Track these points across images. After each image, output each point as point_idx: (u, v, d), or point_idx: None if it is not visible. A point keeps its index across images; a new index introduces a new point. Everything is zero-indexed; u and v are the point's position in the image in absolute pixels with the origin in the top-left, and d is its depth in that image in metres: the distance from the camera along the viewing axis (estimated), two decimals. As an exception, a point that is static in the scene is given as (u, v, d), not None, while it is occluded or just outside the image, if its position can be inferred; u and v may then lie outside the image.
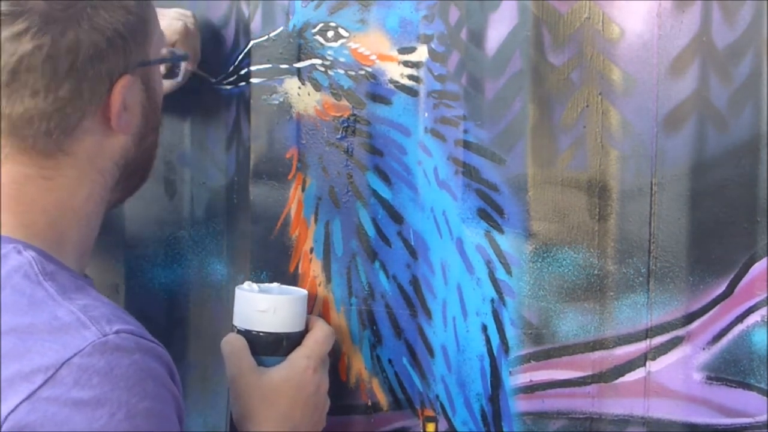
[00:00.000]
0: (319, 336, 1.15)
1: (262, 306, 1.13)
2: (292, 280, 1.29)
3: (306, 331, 1.16)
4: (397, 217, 1.25)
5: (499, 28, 1.16)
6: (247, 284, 1.16)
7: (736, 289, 1.07)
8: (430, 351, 1.24)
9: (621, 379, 1.13)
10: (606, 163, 1.12)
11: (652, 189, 1.10)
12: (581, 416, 1.15)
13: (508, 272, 1.17)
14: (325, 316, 1.28)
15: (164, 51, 1.07)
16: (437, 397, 1.23)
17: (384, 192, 1.25)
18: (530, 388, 1.17)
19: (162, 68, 1.11)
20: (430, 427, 1.24)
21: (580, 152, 1.13)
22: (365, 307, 1.27)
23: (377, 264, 1.26)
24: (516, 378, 1.17)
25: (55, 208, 0.95)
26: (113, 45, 0.94)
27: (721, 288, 1.08)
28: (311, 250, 1.29)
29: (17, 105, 0.90)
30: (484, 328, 1.19)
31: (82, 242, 0.99)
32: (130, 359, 0.85)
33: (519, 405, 1.18)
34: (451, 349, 1.22)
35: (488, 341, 1.19)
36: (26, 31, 0.88)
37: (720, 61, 1.06)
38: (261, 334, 1.12)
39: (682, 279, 1.09)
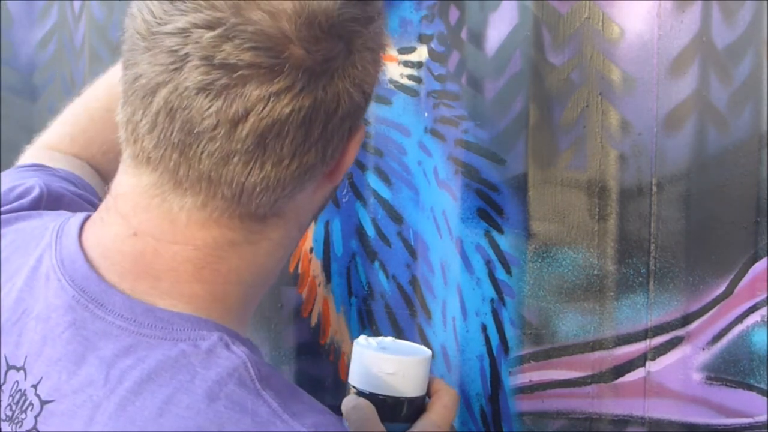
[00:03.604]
0: (448, 401, 1.01)
1: (389, 369, 1.01)
2: (292, 279, 1.29)
3: (427, 394, 1.04)
4: (396, 217, 1.25)
5: (499, 28, 1.16)
6: (363, 339, 1.05)
7: (736, 290, 1.07)
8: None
9: (620, 380, 1.13)
10: (606, 163, 1.12)
11: (652, 189, 1.10)
12: (581, 416, 1.15)
13: (508, 272, 1.17)
14: (324, 316, 1.28)
15: None
16: (437, 397, 1.23)
17: (384, 192, 1.25)
18: (530, 388, 1.17)
19: None
20: (430, 427, 1.24)
21: (580, 152, 1.13)
22: (365, 307, 1.27)
23: (377, 264, 1.26)
24: (516, 378, 1.17)
25: (251, 276, 0.78)
26: (367, 101, 0.77)
27: (721, 288, 1.08)
28: (311, 250, 1.29)
29: (254, 174, 0.72)
30: (484, 328, 1.19)
31: (255, 306, 0.84)
32: None
33: (519, 405, 1.18)
34: (450, 349, 1.22)
35: (488, 341, 1.19)
36: (287, 90, 0.69)
37: (720, 61, 1.06)
38: (385, 398, 1.00)
39: (682, 279, 1.09)
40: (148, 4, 0.71)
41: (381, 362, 1.01)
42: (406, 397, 1.00)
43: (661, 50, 1.09)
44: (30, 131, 1.66)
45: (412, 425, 0.99)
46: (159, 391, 0.69)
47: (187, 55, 0.68)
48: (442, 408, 1.00)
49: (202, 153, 0.70)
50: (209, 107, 0.68)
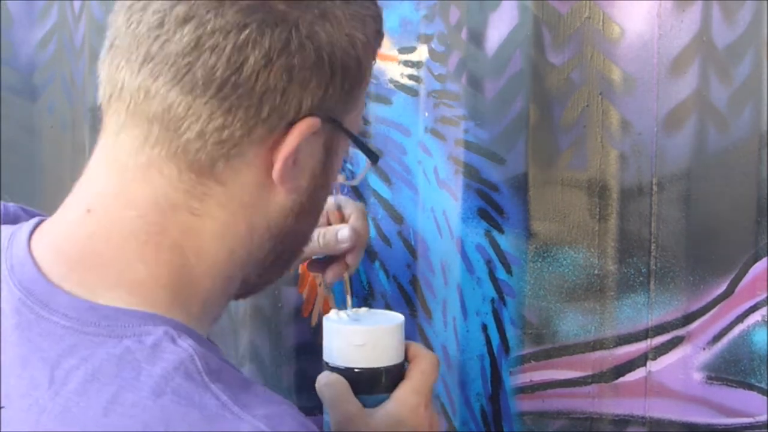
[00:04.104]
0: (426, 367, 0.98)
1: (358, 340, 0.98)
2: (292, 279, 1.29)
3: (405, 360, 1.01)
4: (397, 217, 1.25)
5: (499, 27, 1.16)
6: (333, 313, 1.02)
7: (737, 289, 1.07)
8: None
9: (621, 379, 1.13)
10: (606, 163, 1.12)
11: (652, 189, 1.10)
12: (581, 416, 1.15)
13: (509, 272, 1.17)
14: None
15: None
16: (437, 396, 1.23)
17: (384, 192, 1.25)
18: (530, 388, 1.17)
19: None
20: (430, 426, 1.24)
21: (580, 152, 1.13)
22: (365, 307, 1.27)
23: (377, 264, 1.26)
24: (516, 378, 1.17)
25: (197, 258, 0.75)
26: (317, 68, 0.73)
27: (722, 288, 1.08)
28: (311, 250, 1.29)
29: (178, 94, 0.71)
30: (484, 328, 1.19)
31: (213, 309, 0.81)
32: None
33: (519, 405, 1.18)
34: (451, 348, 1.22)
35: (488, 341, 1.19)
36: (236, 11, 0.70)
37: (720, 61, 1.06)
38: (360, 371, 0.97)
39: (683, 279, 1.09)
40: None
41: (350, 334, 0.98)
42: (382, 367, 0.97)
43: (661, 50, 1.09)
44: (30, 131, 1.66)
45: (391, 395, 0.97)
46: (103, 390, 0.68)
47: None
48: (420, 374, 0.98)
49: (144, 61, 0.71)
50: (160, 8, 0.71)
